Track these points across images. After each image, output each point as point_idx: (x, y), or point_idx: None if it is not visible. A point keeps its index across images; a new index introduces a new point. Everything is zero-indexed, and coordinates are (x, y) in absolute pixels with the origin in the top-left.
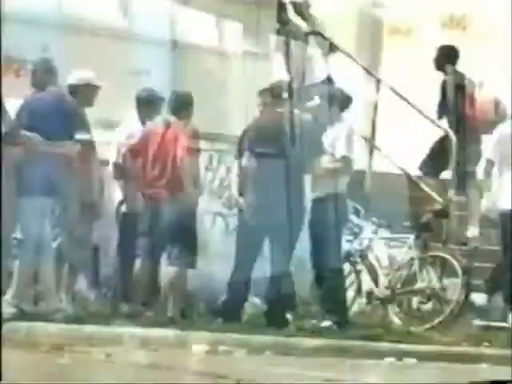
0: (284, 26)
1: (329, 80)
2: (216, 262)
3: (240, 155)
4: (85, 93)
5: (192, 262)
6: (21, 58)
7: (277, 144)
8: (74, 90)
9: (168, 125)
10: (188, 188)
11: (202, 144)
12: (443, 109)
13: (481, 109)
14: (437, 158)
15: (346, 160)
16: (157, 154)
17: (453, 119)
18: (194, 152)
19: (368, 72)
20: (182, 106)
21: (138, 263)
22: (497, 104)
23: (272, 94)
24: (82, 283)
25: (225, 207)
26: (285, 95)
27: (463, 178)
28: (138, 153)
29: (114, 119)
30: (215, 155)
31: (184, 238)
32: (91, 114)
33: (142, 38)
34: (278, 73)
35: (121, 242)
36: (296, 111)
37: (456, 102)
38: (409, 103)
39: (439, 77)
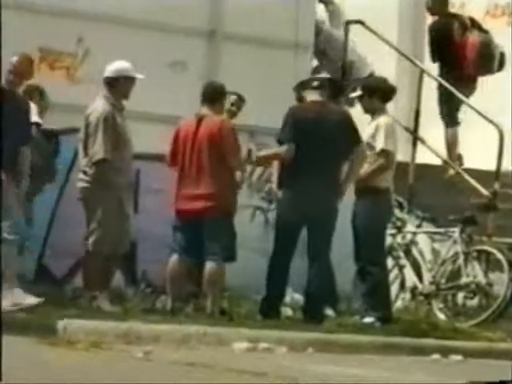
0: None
1: (371, 75)
2: (255, 258)
3: (294, 142)
4: (122, 85)
5: (231, 256)
6: (57, 49)
7: (317, 136)
8: (111, 82)
9: (200, 119)
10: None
11: (241, 137)
12: None
13: None
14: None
15: (385, 153)
16: (191, 157)
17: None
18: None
19: (411, 61)
20: (215, 97)
21: (174, 258)
22: None
23: (313, 86)
24: (119, 279)
25: (265, 201)
26: (325, 88)
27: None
28: (174, 158)
29: (156, 112)
30: (254, 148)
31: (222, 232)
32: (130, 106)
33: (178, 27)
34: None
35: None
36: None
37: None
38: (454, 93)
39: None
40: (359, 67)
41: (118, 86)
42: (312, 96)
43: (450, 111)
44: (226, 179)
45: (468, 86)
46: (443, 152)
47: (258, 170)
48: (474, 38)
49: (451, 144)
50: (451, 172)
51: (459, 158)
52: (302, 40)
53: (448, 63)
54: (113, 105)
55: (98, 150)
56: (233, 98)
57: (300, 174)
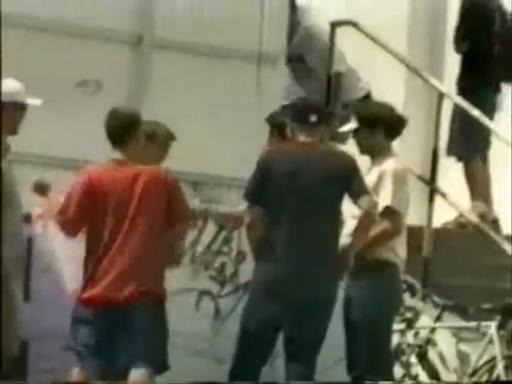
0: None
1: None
2: (202, 364)
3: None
4: (8, 115)
5: (164, 364)
6: None
7: (303, 194)
8: None
9: (125, 167)
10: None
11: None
12: None
13: None
14: None
15: (392, 213)
16: (115, 222)
17: None
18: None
19: (427, 81)
20: (126, 133)
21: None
22: None
23: (310, 120)
24: None
25: (215, 282)
26: (313, 118)
27: None
28: (80, 223)
29: (56, 155)
30: (199, 203)
31: (155, 327)
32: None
33: (90, 31)
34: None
35: None
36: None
37: None
38: (484, 124)
39: None
40: (349, 85)
41: (3, 115)
42: (301, 134)
43: (482, 141)
44: (162, 253)
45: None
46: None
47: (205, 237)
48: None
49: (484, 189)
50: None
51: (494, 221)
52: (270, 49)
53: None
54: None
55: None
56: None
57: (278, 248)
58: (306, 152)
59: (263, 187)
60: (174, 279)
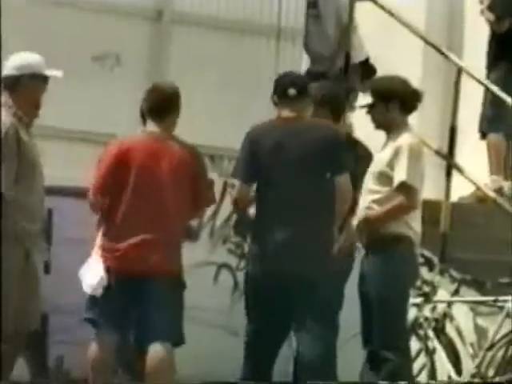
0: None
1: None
2: (220, 336)
3: (248, 179)
4: (29, 88)
5: (180, 338)
6: None
7: (288, 168)
8: (12, 83)
9: (155, 140)
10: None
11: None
12: None
13: None
14: None
15: (408, 188)
16: (140, 196)
17: None
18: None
19: (445, 56)
20: (166, 107)
21: (98, 341)
22: None
23: (288, 94)
24: (23, 370)
25: (233, 255)
26: (292, 92)
27: None
28: (104, 196)
29: (77, 128)
30: (217, 176)
31: (173, 302)
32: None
33: (109, 6)
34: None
35: None
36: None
37: None
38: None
39: None
40: (357, 43)
41: (23, 89)
42: (284, 108)
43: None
44: (181, 229)
45: None
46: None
47: (223, 211)
48: None
49: (504, 165)
50: None
51: None
52: (289, 25)
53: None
54: (16, 117)
55: None
56: None
57: (269, 222)
58: (290, 126)
59: (251, 164)
60: (193, 253)
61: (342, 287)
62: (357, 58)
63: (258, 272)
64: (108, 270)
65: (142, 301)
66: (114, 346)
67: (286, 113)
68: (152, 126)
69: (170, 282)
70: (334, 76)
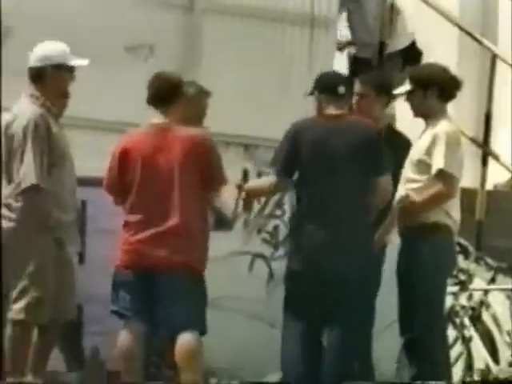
0: None
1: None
2: (255, 327)
3: (286, 172)
4: (55, 78)
5: (204, 328)
6: None
7: (328, 165)
8: (38, 74)
9: (162, 130)
10: None
11: (230, 154)
12: None
13: None
14: None
15: (446, 176)
16: (152, 186)
17: None
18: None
19: (479, 42)
20: (169, 96)
21: (128, 330)
22: None
23: (336, 92)
24: (58, 361)
25: (268, 245)
26: (341, 90)
27: None
28: (119, 187)
29: (109, 118)
30: (250, 165)
31: (198, 293)
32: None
33: None
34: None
35: None
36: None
37: None
38: None
39: None
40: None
41: (49, 79)
42: (331, 106)
43: None
44: (202, 223)
45: None
46: None
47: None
48: None
49: None
50: None
51: None
52: (322, 14)
53: None
54: (45, 107)
55: (28, 173)
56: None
57: (308, 218)
58: (334, 124)
59: (292, 158)
60: (228, 243)
61: (379, 279)
62: (399, 44)
63: (298, 267)
64: (126, 263)
65: (161, 293)
66: (142, 337)
67: (332, 110)
68: (157, 116)
69: (187, 275)
70: (379, 63)
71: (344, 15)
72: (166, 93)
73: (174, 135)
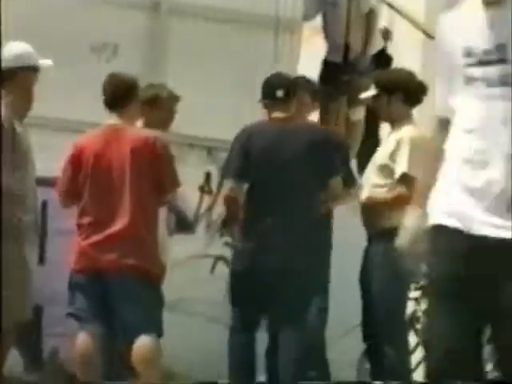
0: None
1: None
2: (215, 330)
3: (240, 178)
4: (22, 79)
5: (160, 331)
6: None
7: (277, 169)
8: (6, 74)
9: (114, 132)
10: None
11: (193, 156)
12: None
13: None
14: None
15: (409, 180)
16: (104, 189)
17: None
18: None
19: None
20: (124, 98)
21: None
22: None
23: (276, 96)
24: (16, 361)
25: (230, 248)
26: (279, 94)
27: None
28: (72, 192)
29: (72, 118)
30: (214, 169)
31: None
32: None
33: None
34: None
35: None
36: None
37: None
38: None
39: None
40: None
41: (16, 79)
42: (274, 110)
43: None
44: (153, 226)
45: None
46: None
47: (220, 204)
48: None
49: None
50: None
51: None
52: (287, 16)
53: None
54: (9, 108)
55: None
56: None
57: (258, 221)
58: (283, 126)
59: (244, 163)
60: (190, 245)
61: (324, 280)
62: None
63: (241, 267)
64: (79, 266)
65: (111, 297)
66: (99, 339)
67: (277, 114)
68: (112, 118)
69: (140, 279)
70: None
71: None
72: (120, 94)
73: (126, 136)
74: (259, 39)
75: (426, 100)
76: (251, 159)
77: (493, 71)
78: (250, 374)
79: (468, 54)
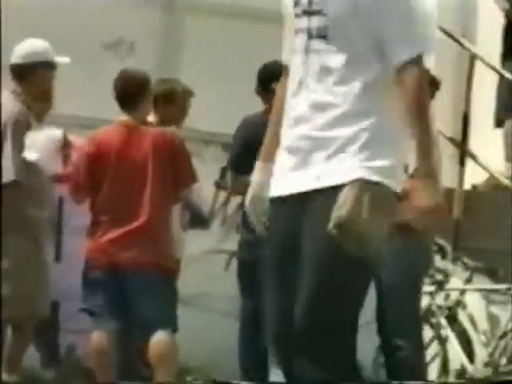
0: None
1: None
2: (229, 325)
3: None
4: (37, 76)
5: (176, 327)
6: None
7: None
8: (20, 71)
9: (131, 129)
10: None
11: (208, 152)
12: None
13: None
14: None
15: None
16: (121, 185)
17: None
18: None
19: (458, 42)
20: (135, 95)
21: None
22: None
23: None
24: (33, 358)
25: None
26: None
27: None
28: (86, 187)
29: (87, 115)
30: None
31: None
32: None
33: None
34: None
35: None
36: None
37: None
38: None
39: None
40: None
41: (31, 76)
42: (269, 101)
43: None
44: (166, 215)
45: None
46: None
47: (235, 199)
48: None
49: None
50: None
51: None
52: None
53: None
54: (25, 105)
55: (7, 168)
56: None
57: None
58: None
59: (244, 155)
60: (205, 241)
61: None
62: None
63: (248, 257)
64: (95, 262)
65: (128, 293)
66: (115, 335)
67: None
68: (124, 115)
69: (156, 275)
70: None
71: None
72: (132, 91)
73: (143, 133)
74: (273, 35)
75: (440, 95)
76: (251, 151)
77: (313, 22)
78: (261, 367)
79: (296, 3)
